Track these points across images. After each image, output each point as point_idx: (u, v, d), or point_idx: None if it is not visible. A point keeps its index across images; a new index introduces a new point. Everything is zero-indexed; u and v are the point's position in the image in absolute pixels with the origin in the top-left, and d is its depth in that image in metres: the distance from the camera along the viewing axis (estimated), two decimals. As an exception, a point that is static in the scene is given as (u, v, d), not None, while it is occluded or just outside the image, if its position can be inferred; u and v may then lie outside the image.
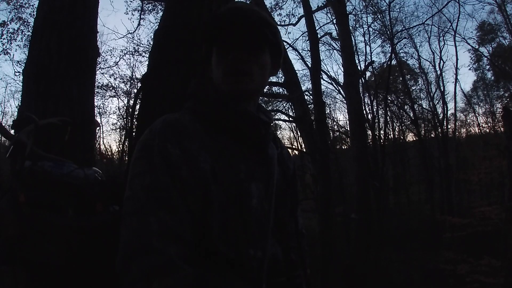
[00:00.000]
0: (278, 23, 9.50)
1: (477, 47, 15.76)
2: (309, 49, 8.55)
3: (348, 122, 11.37)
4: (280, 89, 9.02)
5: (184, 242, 0.68)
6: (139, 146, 0.77)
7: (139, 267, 0.63)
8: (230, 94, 0.84)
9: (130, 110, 11.22)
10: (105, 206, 0.91)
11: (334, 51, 13.70)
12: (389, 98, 12.84)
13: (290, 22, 10.43)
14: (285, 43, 8.68)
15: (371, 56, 13.85)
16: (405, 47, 14.49)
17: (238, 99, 0.84)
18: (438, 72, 14.90)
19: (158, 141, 0.74)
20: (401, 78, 14.69)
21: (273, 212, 0.81)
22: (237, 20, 0.84)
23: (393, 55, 11.29)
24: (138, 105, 1.56)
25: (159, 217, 0.67)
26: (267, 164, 0.87)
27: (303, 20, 9.66)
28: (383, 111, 11.92)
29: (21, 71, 1.80)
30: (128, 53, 11.72)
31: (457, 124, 15.90)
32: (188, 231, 0.69)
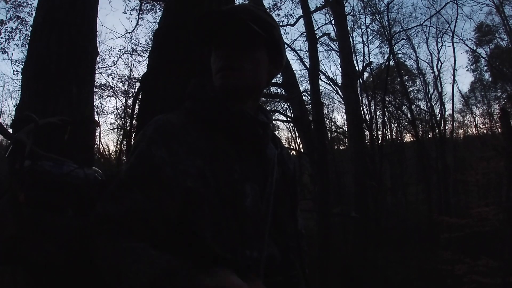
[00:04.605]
0: (277, 23, 9.48)
1: (475, 49, 15.80)
2: (307, 49, 8.57)
3: (346, 122, 11.42)
4: (278, 89, 9.04)
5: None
6: (131, 148, 0.81)
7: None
8: (221, 90, 0.84)
9: (129, 110, 11.18)
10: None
11: (333, 51, 13.66)
12: (387, 99, 12.82)
13: (289, 23, 10.43)
14: (283, 44, 8.66)
15: (369, 57, 13.79)
16: (403, 48, 14.48)
17: (229, 95, 0.84)
18: (436, 73, 14.87)
19: (142, 144, 0.75)
20: (399, 79, 14.68)
21: (271, 213, 0.81)
22: (225, 18, 0.84)
23: (391, 56, 11.30)
24: (138, 104, 1.55)
25: (105, 208, 0.71)
26: (264, 165, 0.87)
27: (301, 21, 9.69)
28: (381, 112, 11.89)
29: (20, 70, 1.79)
30: (126, 52, 11.66)
31: (454, 125, 15.90)
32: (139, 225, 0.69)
